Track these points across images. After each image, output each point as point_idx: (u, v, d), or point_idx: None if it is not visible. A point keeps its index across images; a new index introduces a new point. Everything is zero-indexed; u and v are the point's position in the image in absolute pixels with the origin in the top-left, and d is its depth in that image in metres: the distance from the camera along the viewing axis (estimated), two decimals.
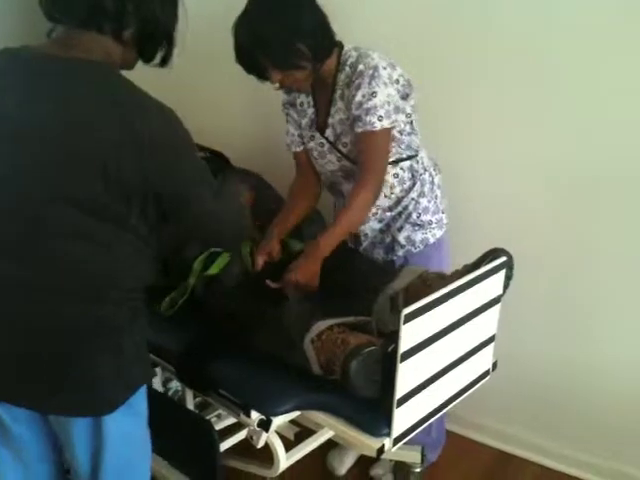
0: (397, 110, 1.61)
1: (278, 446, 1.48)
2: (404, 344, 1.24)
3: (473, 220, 2.02)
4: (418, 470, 1.96)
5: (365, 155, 1.62)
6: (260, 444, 1.44)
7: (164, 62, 1.28)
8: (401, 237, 1.77)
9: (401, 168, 1.72)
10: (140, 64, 1.28)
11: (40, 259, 1.13)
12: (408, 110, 1.66)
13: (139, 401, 1.25)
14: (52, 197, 1.10)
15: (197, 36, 2.18)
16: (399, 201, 1.75)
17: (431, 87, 1.91)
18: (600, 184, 1.83)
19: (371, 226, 1.79)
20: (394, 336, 1.23)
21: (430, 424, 1.45)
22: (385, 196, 1.74)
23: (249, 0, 1.57)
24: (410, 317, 1.22)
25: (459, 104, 1.96)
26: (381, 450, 1.32)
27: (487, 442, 2.24)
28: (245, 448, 1.67)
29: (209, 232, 1.39)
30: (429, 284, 1.51)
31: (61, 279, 1.14)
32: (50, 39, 1.19)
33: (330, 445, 1.94)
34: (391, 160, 1.70)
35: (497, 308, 1.52)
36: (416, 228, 1.76)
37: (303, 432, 1.80)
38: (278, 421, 1.40)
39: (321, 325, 1.39)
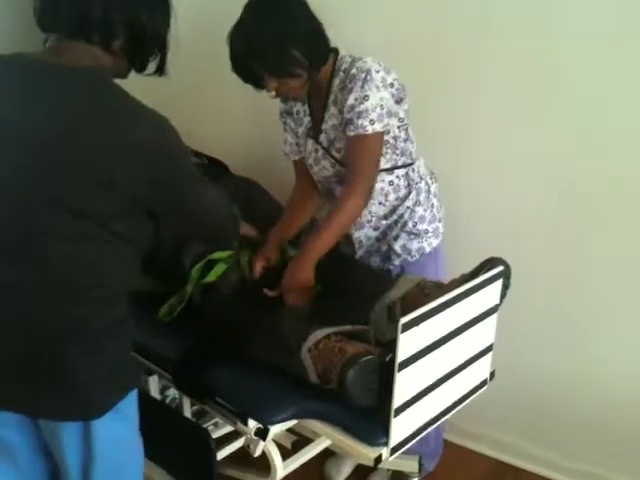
0: (390, 114, 1.61)
1: (275, 455, 1.48)
2: (401, 353, 1.24)
3: (470, 229, 2.02)
4: (415, 479, 1.96)
5: (355, 158, 1.62)
6: (257, 453, 1.44)
7: (160, 70, 1.30)
8: (397, 246, 1.77)
9: (396, 176, 1.72)
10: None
11: (38, 260, 1.14)
12: (401, 114, 1.66)
13: (128, 405, 1.26)
14: (50, 199, 1.12)
15: (198, 43, 2.21)
16: (394, 209, 1.75)
17: (428, 94, 1.92)
18: (598, 197, 1.83)
19: (366, 234, 1.79)
20: (391, 345, 1.23)
21: (427, 433, 1.45)
22: (380, 203, 1.74)
23: (244, 9, 1.58)
24: (407, 326, 1.22)
25: (456, 112, 1.96)
26: (378, 459, 1.32)
27: (484, 452, 2.24)
28: (242, 456, 1.67)
29: (209, 229, 1.43)
30: (427, 293, 1.51)
31: (52, 280, 1.15)
32: (44, 48, 1.21)
33: (327, 454, 1.94)
34: (386, 167, 1.70)
35: (494, 317, 1.52)
36: (412, 237, 1.77)
37: (300, 441, 1.80)
38: (275, 430, 1.40)
39: (318, 334, 1.39)
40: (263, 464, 1.52)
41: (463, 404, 1.52)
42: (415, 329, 1.25)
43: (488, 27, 1.86)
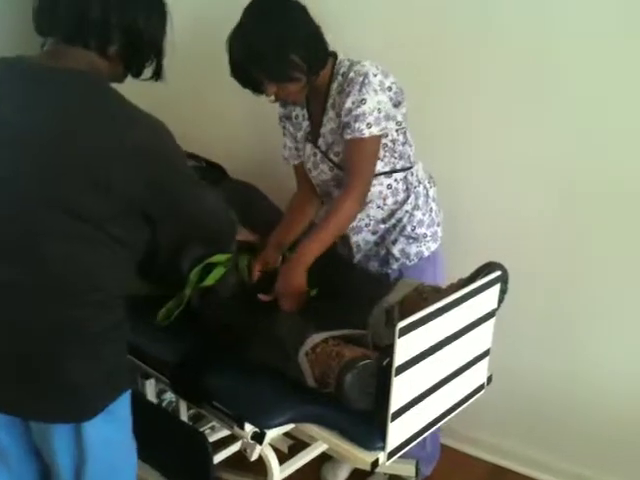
0: (388, 118, 1.61)
1: (272, 459, 1.48)
2: (399, 358, 1.24)
3: (470, 230, 2.02)
4: None
5: (352, 162, 1.62)
6: (254, 457, 1.43)
7: (156, 76, 1.31)
8: (395, 250, 1.77)
9: (395, 179, 1.73)
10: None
11: (37, 260, 1.15)
12: (399, 118, 1.67)
13: (121, 407, 1.26)
14: (48, 200, 1.13)
15: (197, 48, 2.21)
16: (393, 213, 1.75)
17: (427, 98, 1.92)
18: (598, 197, 1.83)
19: (365, 238, 1.79)
20: (389, 350, 1.23)
21: (425, 438, 1.45)
22: (378, 207, 1.75)
23: (243, 14, 1.58)
24: (405, 330, 1.22)
25: (455, 114, 1.96)
26: (375, 464, 1.32)
27: (482, 456, 2.23)
28: (239, 460, 1.66)
29: (207, 231, 1.44)
30: (425, 297, 1.51)
31: (50, 281, 1.15)
32: (42, 51, 1.22)
33: (324, 458, 1.94)
34: (385, 170, 1.70)
35: (492, 322, 1.52)
36: (410, 241, 1.77)
37: (297, 445, 1.79)
38: (272, 434, 1.40)
39: (316, 338, 1.39)
40: (260, 468, 1.52)
41: (460, 408, 1.52)
42: (413, 333, 1.25)
43: (487, 27, 1.86)
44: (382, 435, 1.30)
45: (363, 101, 1.57)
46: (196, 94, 2.46)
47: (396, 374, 1.24)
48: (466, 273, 1.48)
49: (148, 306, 1.68)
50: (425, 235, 1.78)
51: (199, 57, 2.24)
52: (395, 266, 1.79)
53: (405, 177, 1.74)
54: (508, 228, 1.99)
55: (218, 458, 1.78)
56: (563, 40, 1.77)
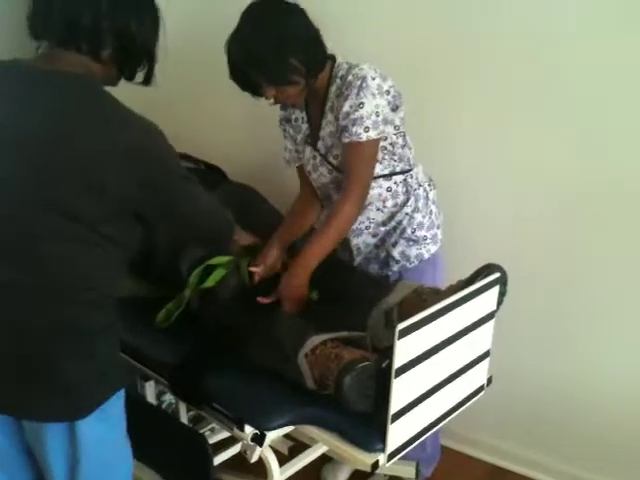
0: (386, 122, 1.61)
1: (272, 460, 1.48)
2: (398, 360, 1.24)
3: (469, 230, 2.02)
4: None
5: (351, 165, 1.62)
6: (254, 459, 1.43)
7: (147, 80, 1.31)
8: (395, 252, 1.77)
9: (395, 182, 1.73)
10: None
11: (34, 260, 1.15)
12: (397, 122, 1.67)
13: (114, 405, 1.26)
14: (44, 202, 1.14)
15: (196, 51, 2.22)
16: (393, 216, 1.76)
17: (426, 101, 1.92)
18: (598, 197, 1.83)
19: (365, 240, 1.80)
20: (388, 351, 1.24)
21: (425, 439, 1.45)
22: (378, 209, 1.75)
23: (241, 17, 1.59)
24: (404, 332, 1.22)
25: (454, 116, 1.97)
26: (375, 465, 1.32)
27: (482, 457, 2.23)
28: (239, 462, 1.66)
29: (202, 231, 1.43)
30: (424, 299, 1.51)
31: (48, 280, 1.16)
32: (38, 55, 1.23)
33: (324, 460, 1.94)
34: (384, 173, 1.70)
35: (491, 324, 1.53)
36: (411, 243, 1.77)
37: (297, 447, 1.79)
38: (272, 435, 1.40)
39: (315, 340, 1.39)
40: (260, 470, 1.52)
41: (460, 410, 1.52)
42: (412, 335, 1.25)
43: (486, 29, 1.86)
44: (382, 437, 1.30)
45: (361, 105, 1.57)
46: (195, 98, 2.47)
47: (396, 376, 1.25)
48: (465, 275, 1.48)
49: (148, 307, 1.68)
50: (425, 237, 1.78)
51: (198, 61, 2.25)
52: (395, 268, 1.79)
53: (405, 180, 1.74)
54: (508, 229, 1.99)
55: (218, 460, 1.78)
56: (563, 41, 1.77)
